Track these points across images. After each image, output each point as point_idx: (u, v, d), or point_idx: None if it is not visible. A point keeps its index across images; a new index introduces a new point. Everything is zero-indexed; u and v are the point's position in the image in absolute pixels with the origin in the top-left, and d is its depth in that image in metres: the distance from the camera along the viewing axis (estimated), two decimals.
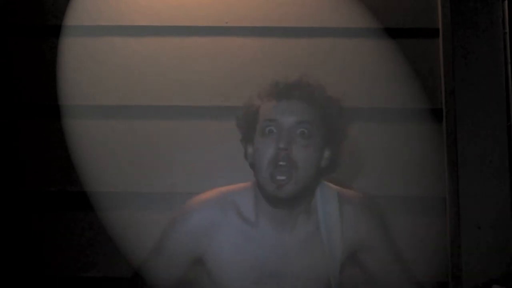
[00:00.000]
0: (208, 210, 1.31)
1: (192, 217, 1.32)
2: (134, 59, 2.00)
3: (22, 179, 1.93)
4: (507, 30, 1.88)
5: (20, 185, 1.92)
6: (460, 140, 1.84)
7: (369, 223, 1.33)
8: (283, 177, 1.20)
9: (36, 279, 1.86)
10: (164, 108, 1.96)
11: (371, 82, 1.96)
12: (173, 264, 1.33)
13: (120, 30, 2.01)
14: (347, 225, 1.30)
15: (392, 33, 1.98)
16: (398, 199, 1.88)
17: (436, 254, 1.83)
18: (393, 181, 1.89)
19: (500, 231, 1.77)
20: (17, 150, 1.95)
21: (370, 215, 1.34)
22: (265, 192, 1.25)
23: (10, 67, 2.00)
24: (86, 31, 2.00)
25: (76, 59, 1.98)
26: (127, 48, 2.01)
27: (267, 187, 1.22)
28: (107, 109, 1.96)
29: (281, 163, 1.20)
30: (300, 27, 2.01)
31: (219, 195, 1.33)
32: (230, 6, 2.02)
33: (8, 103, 1.97)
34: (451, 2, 1.92)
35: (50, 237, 1.88)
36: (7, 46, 2.01)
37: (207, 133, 1.92)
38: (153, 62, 2.00)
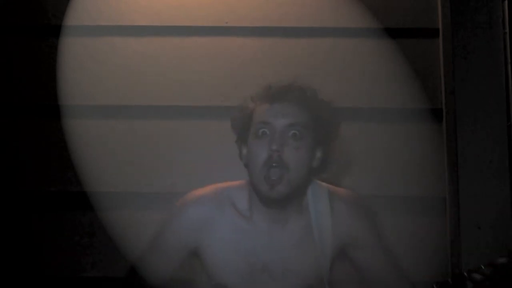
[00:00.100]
0: (204, 204, 1.36)
1: (188, 211, 1.36)
2: (134, 59, 2.00)
3: (22, 179, 1.93)
4: (507, 30, 1.88)
5: (20, 185, 1.92)
6: (460, 140, 1.84)
7: (359, 219, 1.37)
8: (275, 178, 1.25)
9: (36, 279, 1.86)
10: (164, 108, 1.96)
11: (371, 82, 1.96)
12: (169, 257, 1.37)
13: (120, 30, 2.01)
14: (337, 221, 1.34)
15: (392, 33, 1.98)
16: (398, 199, 1.88)
17: (436, 254, 1.83)
18: (393, 181, 1.89)
19: (500, 231, 1.77)
20: (17, 150, 1.95)
21: (360, 212, 1.38)
22: (258, 192, 1.29)
23: (10, 67, 2.00)
24: (86, 31, 2.00)
25: (76, 59, 1.98)
26: (127, 48, 2.01)
27: (261, 188, 1.27)
28: (107, 109, 1.96)
29: (274, 164, 1.25)
30: (300, 27, 2.01)
31: (215, 191, 1.38)
32: (230, 6, 2.02)
33: (8, 103, 1.98)
34: (451, 2, 1.92)
35: (50, 237, 1.89)
36: (7, 46, 2.01)
37: (207, 133, 1.92)
38: (153, 62, 2.00)
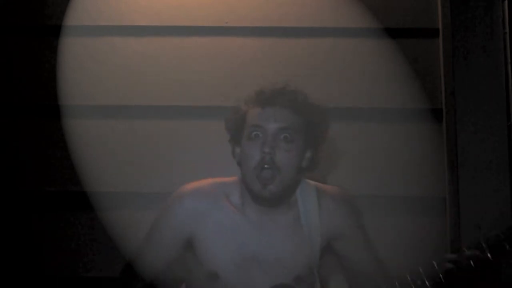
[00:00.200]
0: (199, 196, 1.41)
1: (183, 202, 1.41)
2: (134, 59, 2.00)
3: (22, 179, 1.93)
4: (507, 30, 1.88)
5: (20, 185, 1.92)
6: (460, 140, 1.84)
7: (345, 214, 1.43)
8: (267, 178, 1.31)
9: (36, 279, 1.86)
10: (164, 108, 1.96)
11: (371, 82, 1.96)
12: (165, 248, 1.41)
13: (120, 30, 2.01)
14: (324, 215, 1.40)
15: (392, 33, 1.98)
16: (398, 199, 1.88)
17: (436, 254, 1.83)
18: (393, 181, 1.89)
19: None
20: (17, 150, 1.95)
21: (346, 207, 1.44)
22: (251, 191, 1.35)
23: (10, 67, 2.00)
24: (86, 31, 2.00)
25: (76, 59, 1.99)
26: (127, 48, 2.01)
27: (253, 187, 1.33)
28: (107, 109, 1.96)
29: (266, 166, 1.31)
30: (300, 27, 2.01)
31: (210, 184, 1.44)
32: (230, 6, 2.03)
33: (8, 103, 1.98)
34: (451, 2, 1.93)
35: (50, 237, 1.89)
36: (7, 46, 2.01)
37: (207, 133, 1.92)
38: (153, 62, 2.00)
